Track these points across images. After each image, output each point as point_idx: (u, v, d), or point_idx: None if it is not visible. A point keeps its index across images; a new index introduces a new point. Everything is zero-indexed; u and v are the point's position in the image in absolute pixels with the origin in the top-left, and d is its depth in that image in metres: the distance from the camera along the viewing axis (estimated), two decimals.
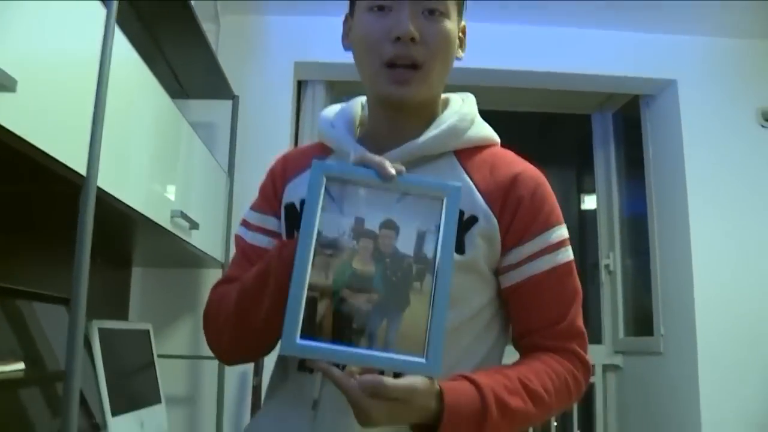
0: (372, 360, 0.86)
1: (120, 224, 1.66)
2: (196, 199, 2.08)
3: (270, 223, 1.16)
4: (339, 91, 3.29)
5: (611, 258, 3.51)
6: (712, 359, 2.83)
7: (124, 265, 2.60)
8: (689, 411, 2.84)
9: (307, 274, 0.86)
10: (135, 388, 2.09)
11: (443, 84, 1.13)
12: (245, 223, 1.20)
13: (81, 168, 1.18)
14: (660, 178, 3.24)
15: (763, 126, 3.06)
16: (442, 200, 0.91)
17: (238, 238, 1.19)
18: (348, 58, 2.86)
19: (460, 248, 1.02)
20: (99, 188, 1.27)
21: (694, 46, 3.11)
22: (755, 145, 3.04)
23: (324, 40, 2.91)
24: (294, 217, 1.11)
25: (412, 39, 1.02)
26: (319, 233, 0.87)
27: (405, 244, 0.89)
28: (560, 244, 1.08)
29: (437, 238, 0.89)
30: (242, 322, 1.04)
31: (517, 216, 1.06)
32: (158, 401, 2.21)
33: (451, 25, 1.07)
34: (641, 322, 3.36)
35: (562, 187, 3.81)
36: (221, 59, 2.45)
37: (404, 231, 0.90)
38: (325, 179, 0.89)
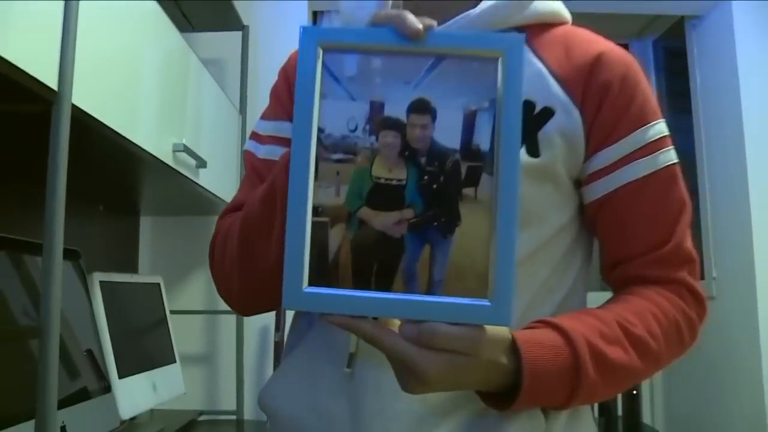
0: (412, 308, 0.61)
1: (121, 163, 1.48)
2: (206, 138, 1.88)
3: (286, 129, 0.93)
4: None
5: None
6: None
7: (131, 214, 2.40)
8: (747, 360, 2.64)
9: (309, 194, 0.62)
10: (146, 347, 1.93)
11: None
12: (255, 136, 0.98)
13: (51, 82, 0.96)
14: (710, 110, 2.97)
15: None
16: (498, 60, 0.62)
17: (248, 154, 0.97)
18: None
19: (533, 149, 0.82)
20: (102, 123, 1.12)
21: None
22: None
23: None
24: None
25: None
26: (320, 131, 0.62)
27: (447, 134, 0.62)
28: (660, 143, 0.86)
29: (494, 119, 0.62)
30: (250, 262, 0.81)
31: (604, 107, 0.83)
32: (172, 360, 2.06)
33: None
34: None
35: None
36: None
37: (444, 114, 0.62)
38: (320, 51, 0.62)
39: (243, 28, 2.48)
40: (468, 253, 0.61)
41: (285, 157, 0.75)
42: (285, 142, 0.93)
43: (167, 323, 2.08)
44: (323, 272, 0.62)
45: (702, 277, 2.87)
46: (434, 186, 0.62)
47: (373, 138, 0.63)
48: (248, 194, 0.88)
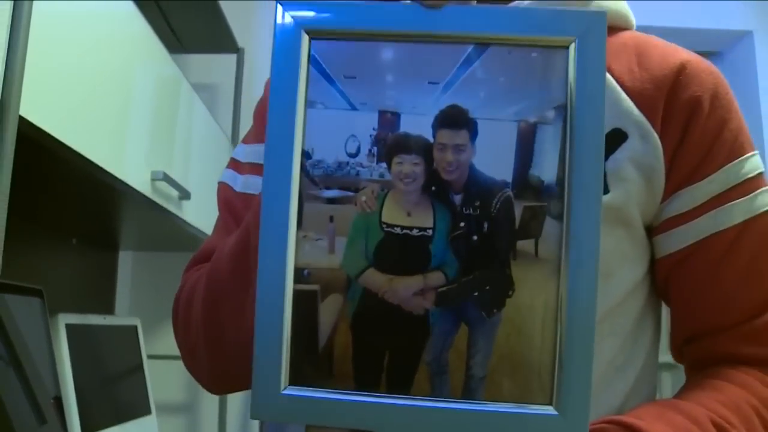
0: (442, 421, 0.41)
1: (96, 195, 1.33)
2: (194, 168, 1.74)
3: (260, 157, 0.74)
4: None
5: None
6: None
7: (109, 248, 2.23)
8: None
9: (288, 249, 0.42)
10: (118, 397, 1.75)
11: None
12: (234, 164, 0.79)
13: None
14: None
15: None
16: (568, 50, 0.43)
17: (222, 187, 0.79)
18: None
19: None
20: (81, 155, 1.05)
21: None
22: None
23: None
24: None
25: None
26: (306, 156, 0.43)
27: (493, 159, 0.43)
28: (758, 182, 0.66)
29: (564, 135, 0.43)
30: (217, 331, 0.62)
31: (690, 131, 0.65)
32: (148, 412, 1.87)
33: None
34: None
35: None
36: (224, 7, 2.13)
37: (488, 129, 0.42)
38: (307, 39, 0.44)
39: (238, 50, 2.37)
40: (525, 339, 0.42)
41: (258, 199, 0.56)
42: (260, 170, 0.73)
43: (143, 370, 1.89)
44: (310, 366, 0.43)
45: None
46: (474, 238, 0.43)
47: (384, 166, 0.43)
48: (220, 241, 0.70)
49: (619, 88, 0.66)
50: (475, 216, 0.42)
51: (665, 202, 0.66)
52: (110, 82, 1.18)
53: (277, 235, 0.42)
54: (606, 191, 0.62)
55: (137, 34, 1.32)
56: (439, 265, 0.42)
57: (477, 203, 0.42)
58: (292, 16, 0.44)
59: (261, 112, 0.81)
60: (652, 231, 0.68)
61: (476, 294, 0.42)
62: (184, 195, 1.53)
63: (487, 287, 0.42)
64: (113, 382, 1.74)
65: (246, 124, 2.27)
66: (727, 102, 0.67)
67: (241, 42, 2.34)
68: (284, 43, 0.44)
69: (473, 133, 0.43)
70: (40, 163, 1.05)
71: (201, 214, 1.77)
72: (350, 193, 0.43)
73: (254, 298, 0.48)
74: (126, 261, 2.34)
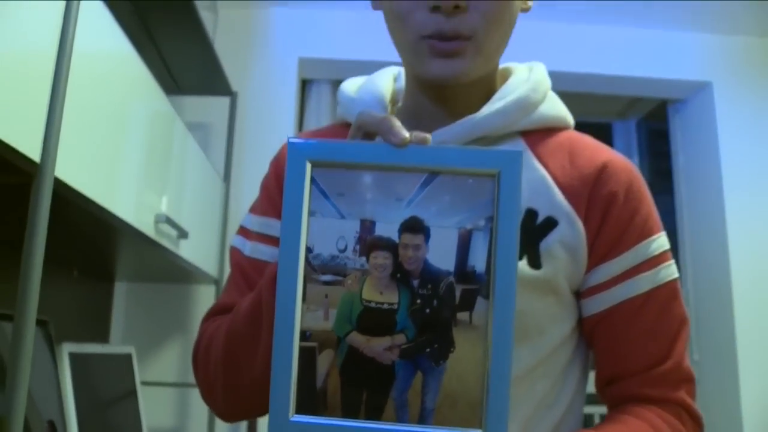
0: None
1: (99, 231, 1.41)
2: (188, 207, 1.83)
3: (275, 228, 0.88)
4: None
5: None
6: (756, 389, 2.58)
7: (106, 279, 2.33)
8: None
9: (296, 318, 0.57)
10: (113, 421, 1.83)
11: (501, 52, 0.85)
12: (243, 232, 0.92)
13: (34, 154, 0.92)
14: (693, 191, 3.00)
15: None
16: (495, 178, 0.58)
17: (234, 252, 0.92)
18: (357, 56, 2.56)
19: (534, 261, 0.78)
20: (76, 191, 1.05)
21: (731, 45, 2.88)
22: None
23: (331, 36, 2.71)
24: None
25: (456, 7, 0.76)
26: (308, 250, 0.59)
27: (441, 254, 0.59)
28: (662, 258, 0.82)
29: (491, 239, 0.58)
30: (234, 374, 0.76)
31: (607, 219, 0.80)
32: None
33: None
34: None
35: None
36: (219, 52, 2.23)
37: (438, 233, 0.59)
38: (309, 167, 0.59)
39: (232, 94, 2.47)
40: (462, 381, 0.58)
41: (271, 271, 0.70)
42: (273, 241, 0.88)
43: (137, 396, 1.99)
44: (311, 400, 0.58)
45: None
46: (427, 310, 0.58)
47: (364, 259, 0.59)
48: (233, 297, 0.84)
49: (553, 183, 0.81)
50: (428, 295, 0.58)
51: (588, 274, 0.81)
52: (108, 121, 1.21)
53: (288, 307, 0.57)
54: (539, 267, 0.78)
55: (135, 74, 1.37)
56: (402, 330, 0.58)
57: (429, 286, 0.58)
58: (300, 151, 0.59)
59: (266, 186, 0.94)
60: (578, 296, 0.83)
61: (428, 350, 0.58)
62: (183, 234, 1.65)
63: (436, 345, 0.58)
64: (109, 407, 1.82)
65: (238, 163, 2.41)
66: (639, 194, 0.82)
67: (234, 86, 2.45)
68: (294, 169, 0.58)
69: (427, 237, 0.58)
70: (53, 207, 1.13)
71: (196, 250, 1.89)
72: (340, 278, 0.58)
73: (265, 347, 0.63)
74: (121, 291, 2.44)
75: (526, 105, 0.85)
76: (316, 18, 2.73)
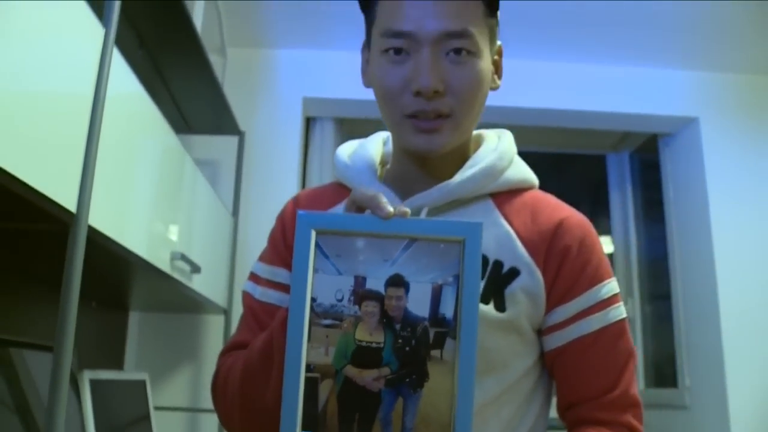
0: None
1: (117, 267, 1.52)
2: (198, 241, 1.95)
3: (281, 276, 1.01)
4: (348, 129, 3.20)
5: (630, 304, 3.37)
6: (745, 414, 2.66)
7: (121, 309, 2.45)
8: None
9: (302, 354, 0.71)
10: None
11: (476, 122, 0.99)
12: (254, 278, 1.05)
13: (70, 205, 1.05)
14: (682, 220, 3.12)
15: None
16: (460, 244, 0.73)
17: (246, 295, 1.05)
18: (358, 95, 2.71)
19: (500, 305, 0.92)
20: (93, 228, 1.14)
21: (717, 82, 3.02)
22: None
23: (334, 76, 2.86)
24: None
25: (436, 92, 0.88)
26: (313, 300, 0.72)
27: (418, 304, 0.73)
28: (611, 301, 0.95)
29: (457, 292, 0.73)
30: (250, 404, 0.89)
31: (562, 269, 0.93)
32: None
33: (482, 63, 0.91)
34: (664, 373, 3.21)
35: None
36: (228, 93, 2.35)
37: (415, 287, 0.73)
38: (314, 234, 0.73)
39: (240, 133, 2.59)
40: (434, 405, 0.71)
41: (281, 316, 0.83)
42: (280, 287, 1.01)
43: (150, 420, 2.10)
44: (314, 420, 0.71)
45: (675, 386, 2.94)
46: (407, 348, 0.73)
47: (357, 307, 0.73)
48: (247, 335, 0.97)
49: (516, 238, 0.95)
50: (407, 336, 0.72)
51: (547, 315, 0.94)
52: (121, 161, 1.27)
53: (296, 345, 0.71)
54: (503, 310, 0.91)
55: (146, 115, 1.45)
56: (387, 363, 0.72)
57: (408, 329, 0.72)
58: (306, 221, 0.73)
59: (273, 239, 1.06)
60: (540, 333, 0.96)
61: (408, 380, 0.72)
62: (195, 269, 1.77)
63: (414, 376, 0.72)
64: (125, 431, 1.94)
65: (246, 198, 2.54)
66: (590, 247, 0.96)
67: (242, 125, 2.58)
68: (302, 235, 0.72)
69: (407, 290, 0.73)
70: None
71: (207, 283, 2.01)
72: (338, 322, 0.72)
73: (276, 379, 0.77)
74: (135, 321, 2.56)
75: (493, 172, 0.98)
76: (319, 60, 2.88)
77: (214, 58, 2.33)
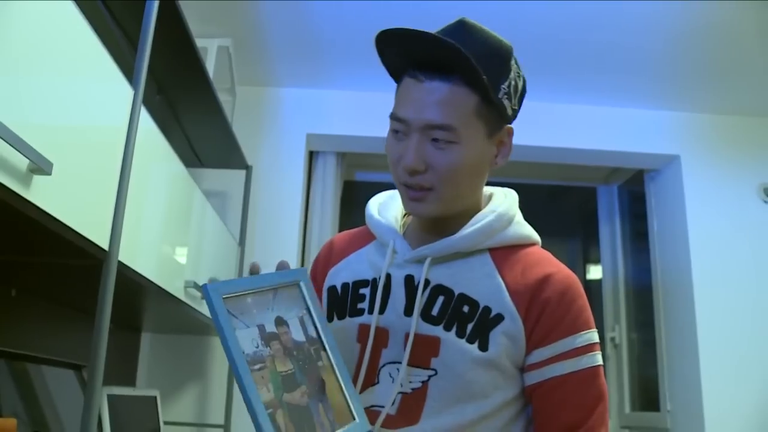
0: None
1: (134, 293, 1.67)
2: (207, 268, 2.11)
3: None
4: (349, 163, 3.37)
5: (617, 331, 3.51)
6: None
7: (134, 330, 2.62)
8: None
9: (259, 398, 0.86)
10: None
11: (475, 192, 1.13)
12: None
13: (104, 243, 1.22)
14: (665, 251, 3.27)
15: (765, 201, 3.12)
16: (299, 285, 1.00)
17: None
18: (358, 132, 2.95)
19: (483, 345, 1.04)
20: (129, 267, 1.31)
21: (696, 122, 3.19)
22: (757, 220, 3.09)
23: (336, 113, 3.03)
24: (334, 299, 1.16)
25: (416, 170, 1.03)
26: (244, 354, 0.89)
27: (297, 333, 0.96)
28: (586, 349, 1.06)
29: (312, 318, 1.00)
30: None
31: (542, 318, 1.05)
32: None
33: (463, 150, 1.03)
34: (648, 397, 3.34)
35: (567, 257, 3.85)
36: (236, 129, 2.50)
37: (291, 322, 0.96)
38: (222, 300, 0.90)
39: (247, 167, 2.75)
40: (336, 397, 0.96)
41: None
42: None
43: None
44: None
45: (657, 410, 3.08)
46: (306, 366, 0.95)
47: (268, 348, 0.92)
48: None
49: (505, 289, 1.07)
50: (302, 358, 0.96)
51: (528, 356, 1.06)
52: (136, 194, 1.34)
53: (252, 395, 0.86)
54: (486, 349, 1.03)
55: (158, 150, 1.56)
56: (301, 382, 0.94)
57: (300, 353, 0.96)
58: (214, 290, 0.90)
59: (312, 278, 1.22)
60: (522, 371, 1.07)
61: (317, 389, 0.95)
62: None
63: (317, 386, 0.96)
64: None
65: (251, 228, 2.71)
66: (570, 300, 1.06)
67: (249, 160, 2.74)
68: (214, 305, 0.89)
69: (287, 325, 0.96)
70: (97, 273, 1.28)
71: None
72: (264, 364, 0.91)
73: None
74: (146, 341, 2.72)
75: (489, 231, 1.10)
76: (322, 98, 3.06)
77: (224, 97, 2.48)
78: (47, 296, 1.75)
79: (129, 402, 2.09)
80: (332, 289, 1.17)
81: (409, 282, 1.10)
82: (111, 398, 1.92)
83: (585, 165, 3.41)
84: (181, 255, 1.82)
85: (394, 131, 1.07)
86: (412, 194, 1.06)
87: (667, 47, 2.64)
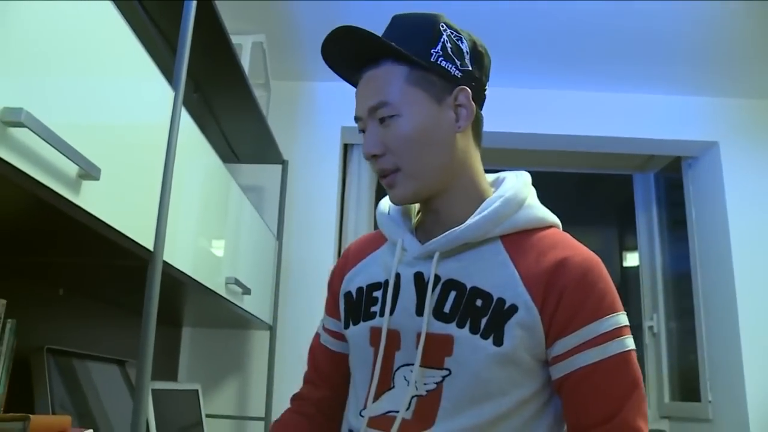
0: None
1: (175, 289, 1.69)
2: (246, 263, 2.13)
3: (333, 325, 1.22)
4: None
5: (655, 319, 3.47)
6: (764, 430, 2.75)
7: (176, 325, 2.66)
8: None
9: None
10: None
11: (444, 163, 1.05)
12: (323, 325, 1.26)
13: (149, 244, 1.24)
14: (704, 239, 3.23)
15: None
16: None
17: (315, 335, 1.27)
18: None
19: (498, 340, 0.98)
20: (173, 266, 1.34)
21: (735, 108, 3.14)
22: None
23: None
24: (350, 304, 1.15)
25: (374, 156, 1.04)
26: None
27: None
28: (612, 334, 0.98)
29: None
30: None
31: (561, 306, 0.98)
32: None
33: (406, 119, 1.02)
34: (688, 386, 3.30)
35: (603, 244, 3.82)
36: (271, 124, 2.50)
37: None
38: None
39: (283, 162, 2.77)
40: None
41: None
42: (334, 334, 1.22)
43: (202, 427, 2.29)
44: None
45: (698, 399, 3.04)
46: None
47: None
48: (310, 372, 1.24)
49: (519, 278, 1.00)
50: None
51: (549, 348, 0.99)
52: (175, 191, 1.34)
53: None
54: (501, 344, 0.97)
55: (196, 146, 1.57)
56: None
57: None
58: None
59: (330, 286, 1.24)
60: (547, 363, 1.02)
61: None
62: (246, 291, 1.96)
63: None
64: None
65: (289, 223, 2.73)
66: (590, 284, 0.99)
67: (285, 155, 2.76)
68: None
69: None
70: (142, 272, 1.30)
71: (253, 301, 2.19)
72: None
73: None
74: (187, 335, 2.76)
75: (496, 218, 1.04)
76: (354, 91, 3.04)
77: (259, 93, 2.50)
78: (92, 295, 1.79)
79: (172, 396, 2.13)
80: (348, 294, 1.16)
81: (419, 279, 1.05)
82: (155, 392, 1.96)
83: (622, 153, 3.37)
84: (220, 251, 1.84)
85: (361, 132, 1.08)
86: (385, 182, 1.07)
87: (703, 31, 2.60)
